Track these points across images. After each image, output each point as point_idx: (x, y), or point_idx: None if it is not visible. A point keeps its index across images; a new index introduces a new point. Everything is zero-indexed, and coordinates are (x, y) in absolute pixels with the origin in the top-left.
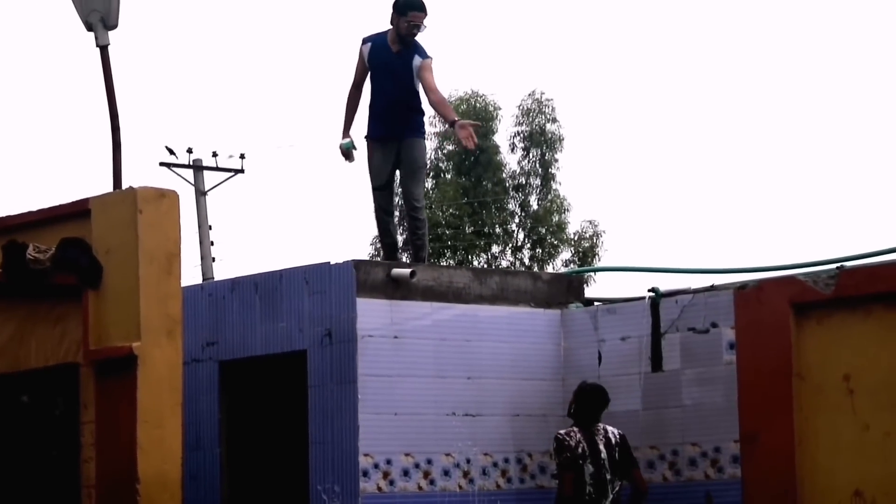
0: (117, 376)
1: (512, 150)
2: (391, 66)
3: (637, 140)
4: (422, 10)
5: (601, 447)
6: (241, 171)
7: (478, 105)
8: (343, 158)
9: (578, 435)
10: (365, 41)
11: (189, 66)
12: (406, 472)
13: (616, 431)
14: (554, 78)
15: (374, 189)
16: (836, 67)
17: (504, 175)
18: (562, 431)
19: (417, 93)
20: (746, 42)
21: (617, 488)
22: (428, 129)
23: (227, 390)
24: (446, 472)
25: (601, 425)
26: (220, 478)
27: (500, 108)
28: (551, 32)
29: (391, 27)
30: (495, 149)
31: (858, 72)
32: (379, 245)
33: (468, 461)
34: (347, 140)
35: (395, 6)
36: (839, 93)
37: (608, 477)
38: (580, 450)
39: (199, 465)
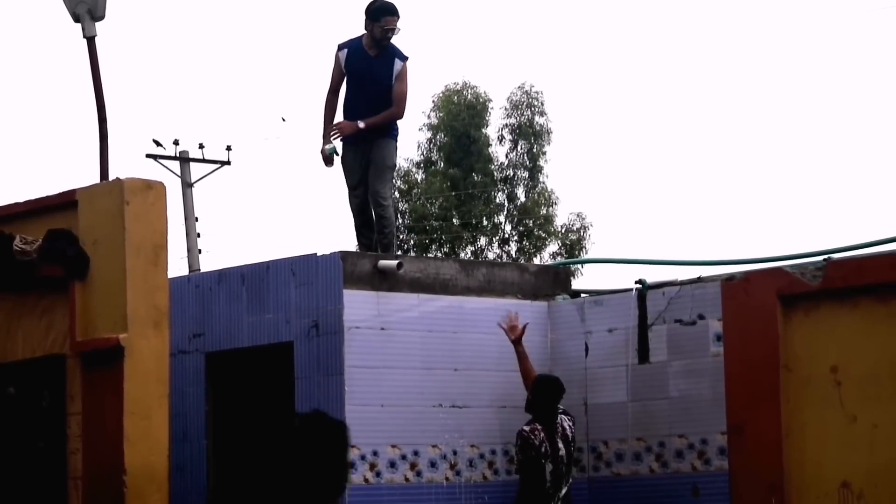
0: (104, 368)
1: (500, 141)
2: (370, 70)
3: (624, 133)
4: (394, 13)
5: (560, 444)
6: (228, 162)
7: (469, 96)
8: (324, 163)
9: (542, 434)
10: (341, 47)
11: (176, 57)
12: (393, 464)
13: (570, 424)
14: (543, 70)
15: (349, 188)
16: (818, 59)
17: (492, 167)
18: (526, 428)
19: (391, 95)
20: (731, 36)
21: (570, 482)
22: (419, 122)
23: (214, 382)
24: (433, 464)
25: (560, 418)
26: (207, 469)
27: (490, 100)
28: (540, 25)
29: (365, 32)
30: (486, 141)
31: (840, 65)
32: None
33: (455, 453)
34: (331, 145)
35: (367, 12)
36: (824, 84)
37: (563, 471)
38: (543, 448)
39: (186, 456)
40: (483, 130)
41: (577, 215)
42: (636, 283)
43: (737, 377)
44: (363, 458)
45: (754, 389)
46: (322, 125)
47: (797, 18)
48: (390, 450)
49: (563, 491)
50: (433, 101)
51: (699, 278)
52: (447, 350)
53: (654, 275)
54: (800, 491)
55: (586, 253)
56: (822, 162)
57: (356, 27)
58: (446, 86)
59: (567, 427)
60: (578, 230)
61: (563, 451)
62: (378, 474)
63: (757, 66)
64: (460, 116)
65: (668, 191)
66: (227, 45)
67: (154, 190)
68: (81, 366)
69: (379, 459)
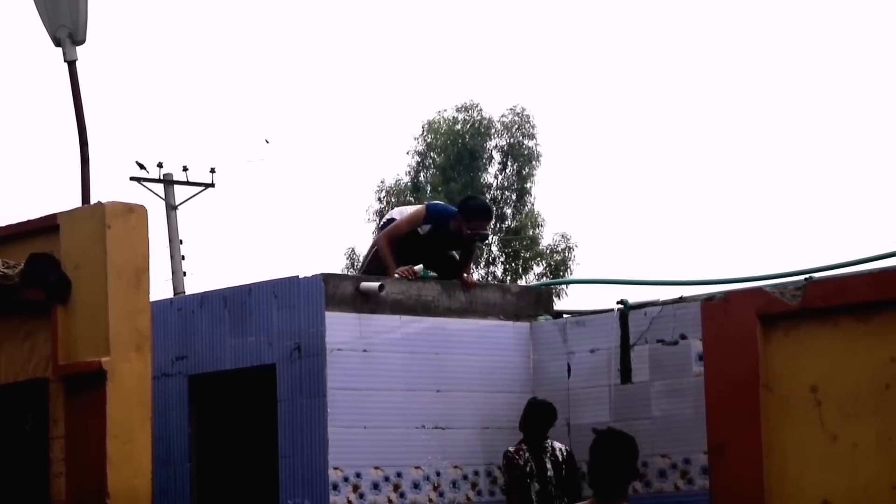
0: (87, 391)
1: (489, 163)
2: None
3: (609, 156)
4: (490, 218)
5: (548, 465)
6: (212, 185)
7: (474, 116)
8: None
9: (527, 454)
10: (428, 218)
11: (159, 80)
12: (376, 486)
13: (563, 448)
14: (530, 93)
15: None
16: (801, 82)
17: (481, 187)
18: (511, 449)
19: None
20: (709, 64)
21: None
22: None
23: (197, 404)
24: (416, 485)
25: (549, 441)
26: (191, 492)
27: (492, 121)
28: (531, 50)
29: (455, 221)
30: (485, 165)
31: (822, 85)
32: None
33: (438, 474)
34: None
35: (463, 209)
36: (803, 108)
37: (553, 493)
38: (528, 468)
39: (170, 479)
40: (486, 148)
41: (562, 236)
42: (618, 303)
43: (717, 397)
44: (346, 479)
45: (735, 409)
46: (389, 260)
47: (773, 50)
48: (373, 471)
49: None
50: (423, 126)
51: (681, 298)
52: (430, 371)
53: (636, 295)
54: None
55: (571, 274)
56: (801, 183)
57: (337, 50)
58: (451, 108)
59: (558, 449)
60: (563, 251)
61: (551, 472)
62: (361, 496)
63: (733, 91)
64: (462, 134)
65: (650, 212)
66: (210, 67)
67: (135, 213)
68: (64, 389)
69: (362, 481)
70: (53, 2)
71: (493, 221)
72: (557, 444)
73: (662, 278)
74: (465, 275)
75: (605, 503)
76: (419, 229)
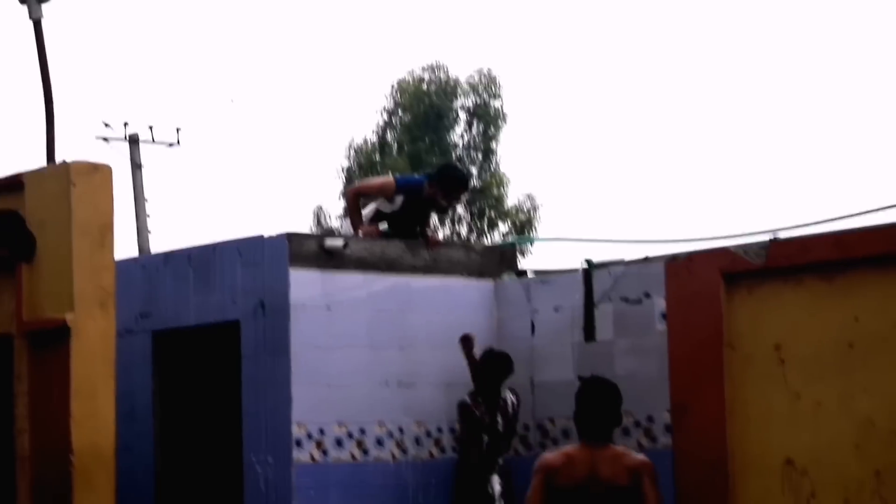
0: (51, 348)
1: (456, 123)
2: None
3: (574, 114)
4: (467, 188)
5: (499, 418)
6: (178, 143)
7: (441, 77)
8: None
9: (483, 406)
10: (399, 189)
11: (125, 39)
12: (339, 442)
13: (513, 399)
14: (499, 55)
15: None
16: (764, 39)
17: (447, 147)
18: (468, 400)
19: None
20: (678, 24)
21: (503, 455)
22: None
23: (161, 361)
24: (379, 442)
25: (505, 393)
26: (154, 449)
27: (458, 82)
28: (497, 11)
29: (428, 184)
30: (451, 125)
31: (784, 44)
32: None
33: (401, 430)
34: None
35: (441, 177)
36: (766, 67)
37: (501, 444)
38: (484, 420)
39: (133, 435)
40: (452, 108)
41: (528, 196)
42: (582, 262)
43: (680, 355)
44: (309, 436)
45: (698, 368)
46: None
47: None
48: (337, 428)
49: (500, 462)
50: (393, 85)
51: (645, 257)
52: (393, 329)
53: (600, 254)
54: (743, 468)
55: (536, 233)
56: (766, 143)
57: (306, 8)
58: (417, 68)
59: (510, 401)
60: (528, 210)
61: (500, 425)
62: (325, 452)
63: (697, 48)
64: (429, 94)
65: (615, 172)
66: (176, 25)
67: (100, 172)
68: (28, 346)
69: (325, 438)
70: None
71: (467, 190)
72: (510, 396)
73: (627, 237)
74: (429, 233)
75: (590, 447)
76: (391, 203)
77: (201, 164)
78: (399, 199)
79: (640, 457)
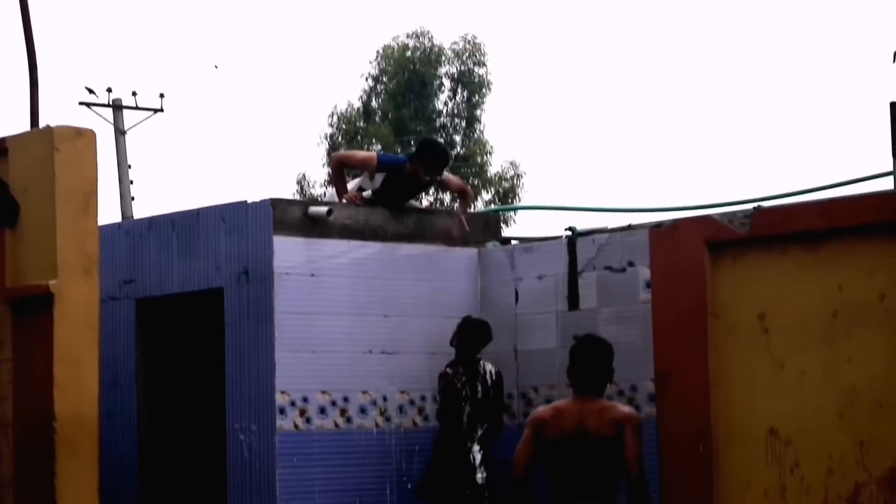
0: (34, 314)
1: (440, 90)
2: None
3: (558, 84)
4: (447, 165)
5: (479, 387)
6: (161, 110)
7: (425, 44)
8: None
9: (464, 376)
10: (381, 166)
11: (109, 4)
12: (323, 410)
13: (494, 370)
14: (484, 22)
15: None
16: (749, 7)
17: (433, 115)
18: (449, 370)
19: None
20: None
21: (485, 426)
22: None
23: (145, 328)
24: (363, 410)
25: (482, 363)
26: (138, 416)
27: (443, 49)
28: None
29: (410, 163)
30: (435, 92)
31: (771, 13)
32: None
33: (385, 399)
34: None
35: (421, 153)
36: (751, 36)
37: (480, 415)
38: (464, 391)
39: (116, 403)
40: (437, 75)
41: (511, 164)
42: (566, 230)
43: (664, 324)
44: (293, 404)
45: (682, 336)
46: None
47: None
48: (320, 396)
49: (480, 432)
50: (377, 52)
51: (629, 226)
52: (377, 296)
53: (584, 222)
54: (727, 438)
55: (519, 201)
56: (751, 112)
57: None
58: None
59: (490, 372)
60: (511, 178)
61: (481, 395)
62: (308, 420)
63: (683, 17)
64: (413, 61)
65: (599, 140)
66: None
67: (84, 137)
68: (11, 313)
69: (309, 405)
70: None
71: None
72: (489, 367)
73: (611, 205)
74: (460, 215)
75: (580, 401)
76: (370, 181)
77: (184, 130)
78: (379, 178)
79: (627, 409)
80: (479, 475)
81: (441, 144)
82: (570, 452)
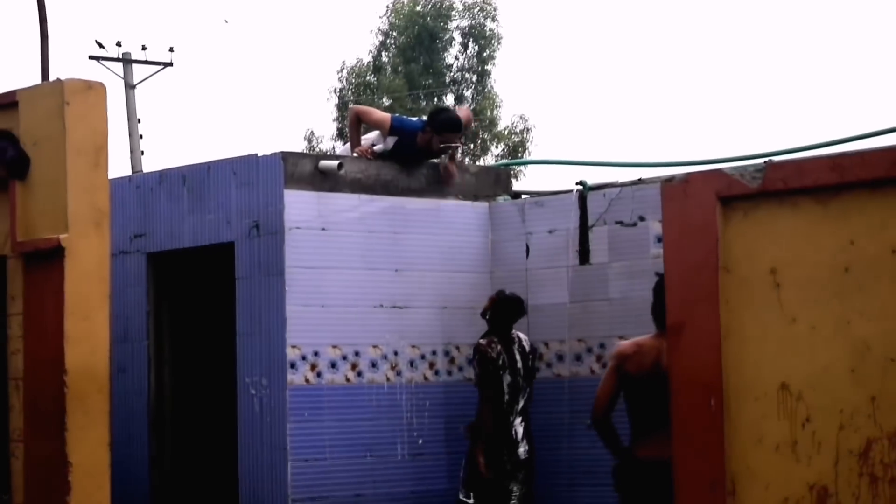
0: (45, 268)
1: (450, 45)
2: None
3: (568, 38)
4: (459, 130)
5: (517, 356)
6: (171, 64)
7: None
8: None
9: (499, 346)
10: (394, 129)
11: None
12: (334, 365)
13: (528, 340)
14: None
15: None
16: None
17: (443, 69)
18: (483, 341)
19: None
20: None
21: (527, 395)
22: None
23: (156, 282)
24: (374, 365)
25: (515, 333)
26: (148, 370)
27: (453, 3)
28: None
29: (422, 132)
30: (445, 46)
31: None
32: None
33: (396, 353)
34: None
35: (432, 120)
36: None
37: (522, 384)
38: (501, 361)
39: (127, 357)
40: (447, 29)
41: (521, 117)
42: (577, 184)
43: (675, 279)
44: (304, 358)
45: (693, 291)
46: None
47: None
48: (331, 350)
49: (521, 403)
50: (387, 6)
51: (640, 180)
52: (388, 251)
53: (595, 176)
54: (738, 392)
55: (529, 154)
56: (763, 67)
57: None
58: None
59: (525, 341)
60: (521, 132)
61: (520, 363)
62: (319, 375)
63: None
64: (423, 16)
65: (609, 94)
66: None
67: (94, 90)
68: (23, 266)
69: (320, 360)
70: None
71: (462, 134)
72: (522, 335)
73: (621, 160)
74: (447, 163)
75: (661, 337)
76: (383, 144)
77: (194, 84)
78: (391, 141)
79: None
80: (521, 449)
81: (452, 111)
82: (648, 388)
